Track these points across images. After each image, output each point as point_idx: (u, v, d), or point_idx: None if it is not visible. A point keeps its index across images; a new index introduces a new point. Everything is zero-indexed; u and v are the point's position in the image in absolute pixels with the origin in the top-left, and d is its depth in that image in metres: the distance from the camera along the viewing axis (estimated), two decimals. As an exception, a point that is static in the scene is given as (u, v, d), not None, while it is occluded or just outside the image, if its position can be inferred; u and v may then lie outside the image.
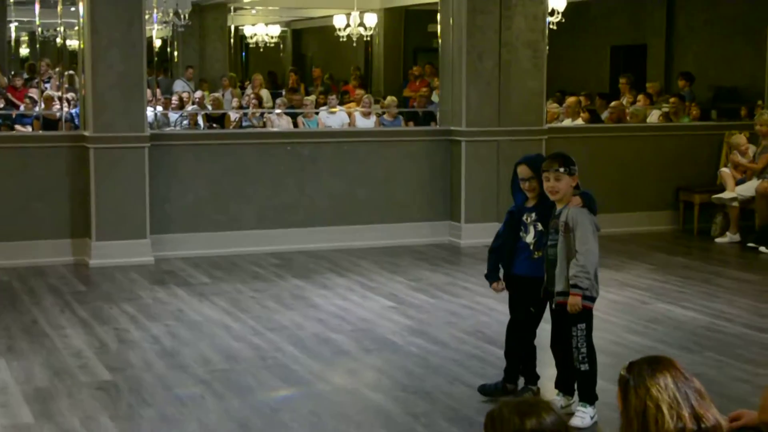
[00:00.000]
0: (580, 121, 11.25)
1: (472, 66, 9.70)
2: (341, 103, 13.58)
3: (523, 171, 4.97)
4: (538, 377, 5.19)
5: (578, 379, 4.83)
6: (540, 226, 4.96)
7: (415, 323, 6.76)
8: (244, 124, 12.30)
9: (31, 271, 8.35)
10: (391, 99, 12.48)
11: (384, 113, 12.20)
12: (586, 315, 4.75)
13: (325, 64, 18.77)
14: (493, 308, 7.05)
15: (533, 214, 4.99)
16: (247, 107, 12.98)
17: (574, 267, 4.64)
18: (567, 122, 11.43)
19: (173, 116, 12.17)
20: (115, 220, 8.67)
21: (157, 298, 7.49)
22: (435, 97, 13.19)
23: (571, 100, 11.76)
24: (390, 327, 6.65)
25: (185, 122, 12.03)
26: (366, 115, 12.11)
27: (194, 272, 8.44)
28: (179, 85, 14.90)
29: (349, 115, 12.31)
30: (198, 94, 12.72)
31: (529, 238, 4.99)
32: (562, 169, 4.72)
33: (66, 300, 7.41)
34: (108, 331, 6.50)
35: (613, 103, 11.76)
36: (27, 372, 5.61)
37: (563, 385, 4.96)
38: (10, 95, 13.00)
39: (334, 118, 12.26)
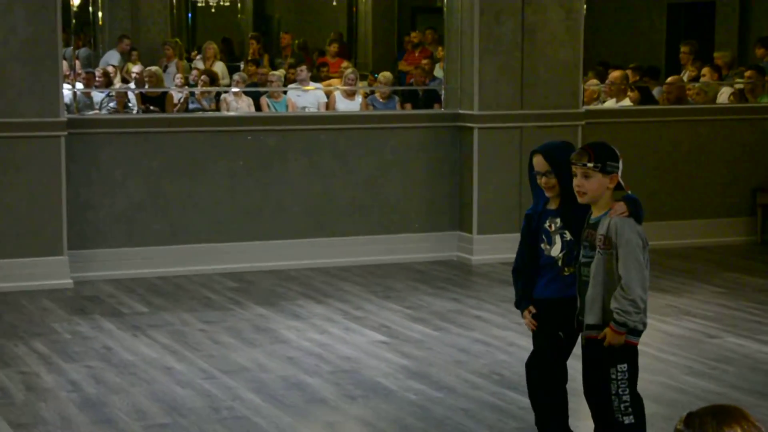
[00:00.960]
0: (627, 102, 11.33)
1: (487, 30, 9.78)
2: (317, 79, 13.65)
3: (537, 162, 4.96)
4: (571, 432, 5.24)
5: (622, 435, 4.87)
6: (568, 236, 4.96)
7: (414, 363, 6.81)
8: (190, 106, 12.35)
9: None
10: (383, 75, 12.56)
11: (374, 92, 12.26)
12: (628, 353, 4.77)
13: (296, 28, 18.85)
14: (514, 343, 7.10)
15: (558, 221, 4.97)
16: (195, 84, 13.03)
17: (622, 300, 4.65)
18: (610, 103, 11.51)
19: (98, 96, 12.22)
20: (21, 231, 8.70)
21: (77, 333, 7.51)
22: (439, 72, 13.26)
23: (615, 74, 11.85)
24: (381, 368, 6.69)
25: (113, 104, 12.07)
26: (350, 94, 12.18)
27: (126, 299, 8.47)
28: (114, 59, 14.94)
29: (328, 94, 12.38)
30: (136, 68, 12.78)
31: (555, 251, 4.97)
32: (591, 164, 4.72)
33: (-42, 335, 7.45)
34: (12, 376, 6.52)
35: (670, 78, 11.84)
36: None
37: (603, 442, 5.00)
38: None
39: (308, 98, 12.32)
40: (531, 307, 5.06)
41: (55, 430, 5.63)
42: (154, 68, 12.49)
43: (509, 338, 7.28)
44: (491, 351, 7.06)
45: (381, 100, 12.07)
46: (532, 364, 5.16)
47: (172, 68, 14.41)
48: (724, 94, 11.79)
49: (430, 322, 7.79)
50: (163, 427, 5.66)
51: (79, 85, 11.99)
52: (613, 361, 4.77)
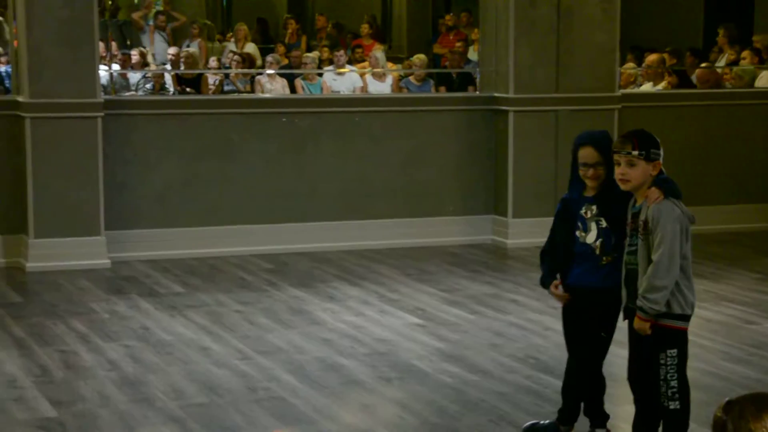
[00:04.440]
0: (664, 86, 11.28)
1: (522, 13, 9.76)
2: (351, 61, 13.67)
3: (588, 155, 4.95)
4: (607, 417, 5.25)
5: (665, 420, 4.88)
6: (604, 223, 4.96)
7: (449, 346, 6.84)
8: (225, 88, 12.41)
9: (-49, 277, 8.51)
10: (418, 57, 12.55)
11: (409, 75, 12.27)
12: (677, 338, 4.77)
13: (330, 10, 18.86)
14: (550, 327, 7.11)
15: (594, 208, 4.97)
16: (229, 66, 13.08)
17: (644, 285, 4.68)
18: (647, 87, 11.47)
19: (134, 77, 12.29)
20: (59, 211, 8.79)
21: (115, 312, 7.59)
22: (473, 55, 13.24)
23: (652, 58, 11.80)
24: (416, 350, 6.73)
25: (149, 85, 12.14)
26: (380, 76, 12.20)
27: (163, 279, 8.55)
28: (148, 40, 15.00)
29: (363, 77, 12.39)
30: (172, 50, 12.84)
31: (590, 238, 4.96)
32: (636, 152, 4.74)
33: (-4, 314, 7.54)
34: (51, 354, 6.60)
35: (703, 64, 11.75)
36: (-53, 406, 5.72)
37: (644, 428, 5.01)
38: None
39: (343, 80, 12.35)
40: (556, 281, 5.07)
41: (94, 407, 5.69)
42: (191, 50, 12.56)
43: (545, 322, 7.29)
44: (527, 335, 7.08)
45: (415, 83, 12.08)
46: (573, 371, 5.16)
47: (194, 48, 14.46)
48: (763, 79, 11.72)
49: (466, 306, 7.81)
50: (201, 406, 5.72)
51: (116, 66, 12.08)
52: (663, 346, 4.77)
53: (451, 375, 6.24)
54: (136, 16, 15.04)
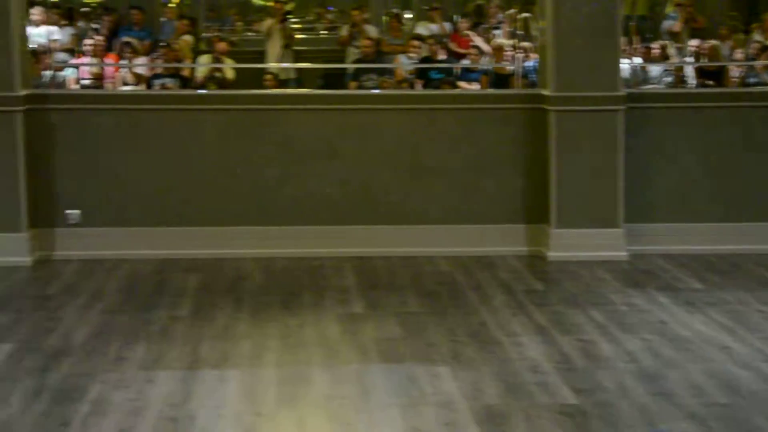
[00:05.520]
0: None
1: None
2: None
3: None
4: None
5: None
6: None
7: None
8: (750, 80, 12.05)
9: (478, 262, 8.92)
10: None
11: None
12: None
13: None
14: None
15: None
16: (754, 58, 12.67)
17: None
18: None
19: (655, 70, 12.25)
20: (579, 203, 8.97)
21: (633, 305, 7.64)
22: None
23: None
24: None
25: (669, 78, 12.06)
26: None
27: (680, 274, 8.48)
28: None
29: None
30: (695, 42, 12.68)
31: None
32: None
33: (519, 300, 7.82)
34: (571, 343, 6.76)
35: None
36: (476, 386, 6.01)
37: None
38: (453, 45, 13.91)
39: None
40: None
41: (613, 398, 5.76)
42: (713, 42, 12.34)
43: None
44: None
45: None
46: None
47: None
48: None
49: None
50: (722, 406, 5.61)
51: (637, 60, 12.12)
52: None
53: None
54: (677, 26, 14.89)
